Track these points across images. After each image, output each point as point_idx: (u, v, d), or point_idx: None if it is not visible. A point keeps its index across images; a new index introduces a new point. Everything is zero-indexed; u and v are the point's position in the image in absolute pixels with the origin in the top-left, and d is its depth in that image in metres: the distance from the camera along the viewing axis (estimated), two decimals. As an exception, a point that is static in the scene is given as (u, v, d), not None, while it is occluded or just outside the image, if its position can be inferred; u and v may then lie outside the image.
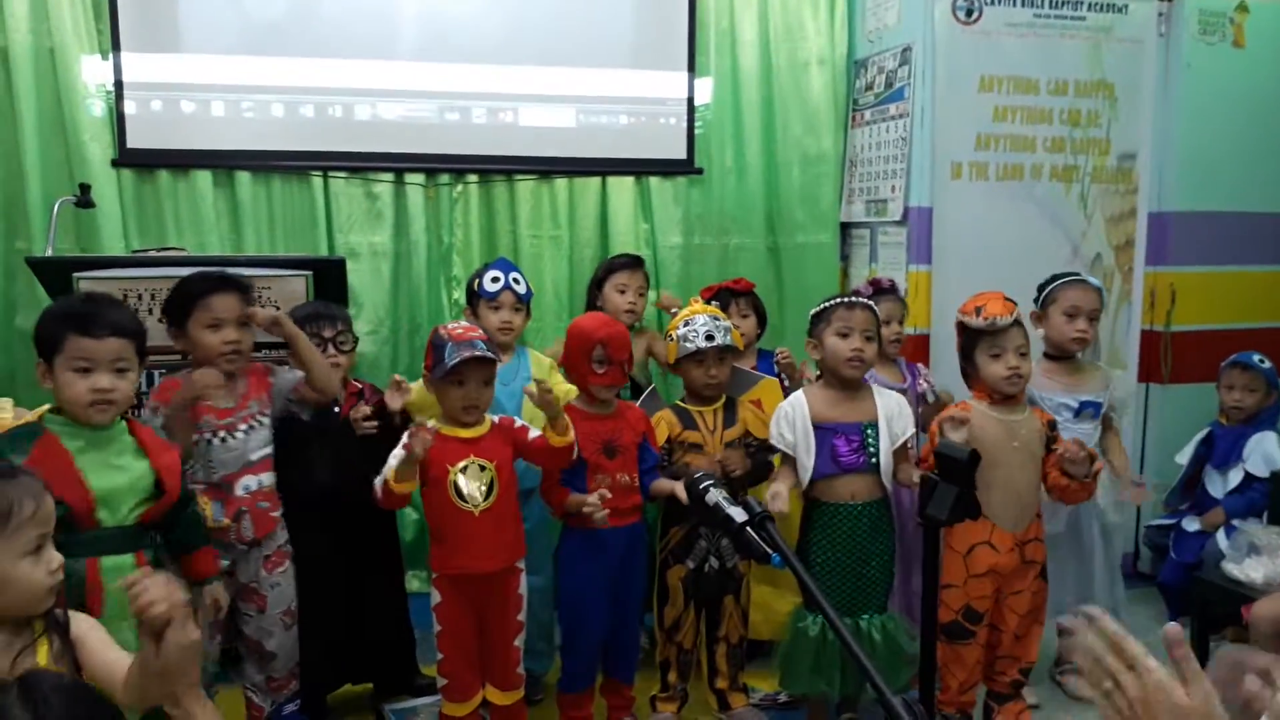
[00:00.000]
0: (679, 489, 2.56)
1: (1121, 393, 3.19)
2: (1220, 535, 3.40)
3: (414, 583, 3.47)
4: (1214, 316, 3.95)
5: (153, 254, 3.20)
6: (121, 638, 1.94)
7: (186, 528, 2.22)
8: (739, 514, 1.52)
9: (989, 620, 2.78)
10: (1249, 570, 3.10)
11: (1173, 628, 1.08)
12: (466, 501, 2.43)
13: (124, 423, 2.09)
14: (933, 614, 1.28)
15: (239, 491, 2.49)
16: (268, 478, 2.56)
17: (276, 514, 2.59)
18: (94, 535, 1.95)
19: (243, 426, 2.51)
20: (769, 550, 1.44)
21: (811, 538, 2.74)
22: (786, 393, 2.96)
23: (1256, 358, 3.49)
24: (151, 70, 3.54)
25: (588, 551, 2.66)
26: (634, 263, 3.42)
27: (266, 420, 2.58)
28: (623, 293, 3.33)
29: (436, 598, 2.49)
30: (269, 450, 2.57)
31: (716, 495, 1.60)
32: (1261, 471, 3.37)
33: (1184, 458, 3.59)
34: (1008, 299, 2.71)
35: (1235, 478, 3.45)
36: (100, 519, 1.96)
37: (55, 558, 1.45)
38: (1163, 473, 3.85)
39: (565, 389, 2.90)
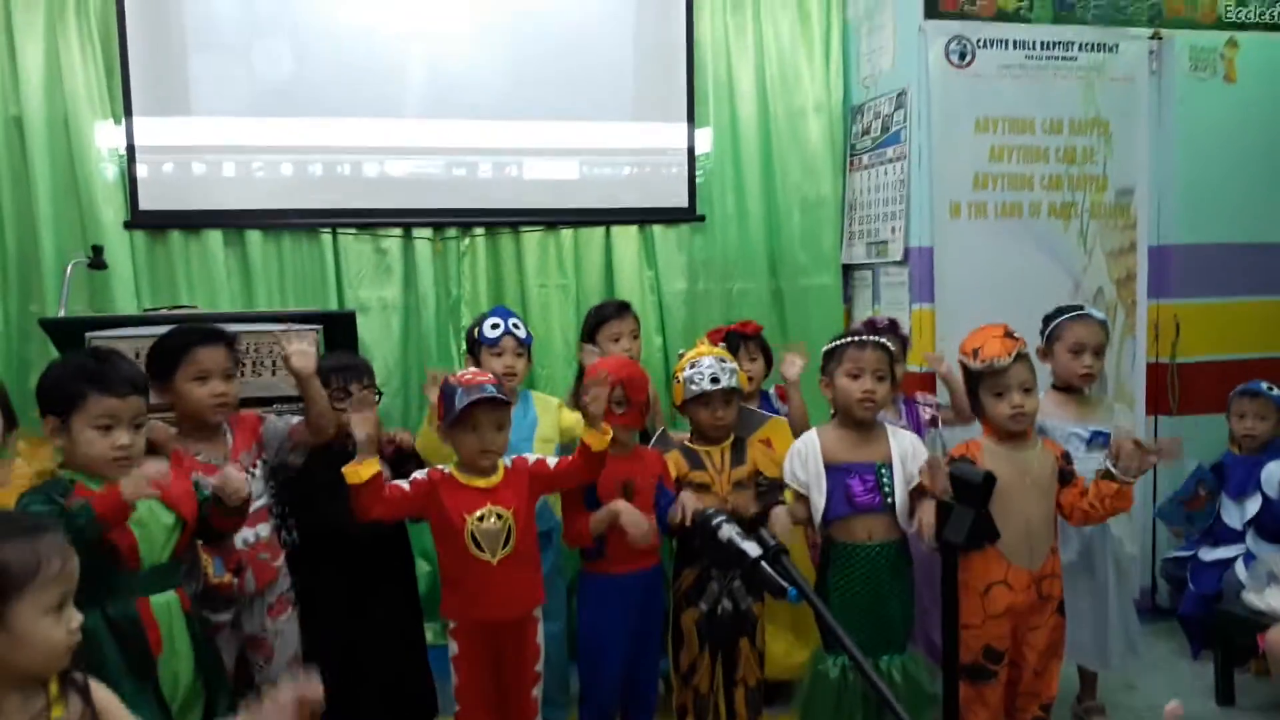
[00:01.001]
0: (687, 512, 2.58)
1: (1125, 424, 3.18)
2: (1239, 565, 3.38)
3: (429, 634, 3.44)
4: (1220, 347, 3.96)
5: (164, 313, 3.24)
6: (175, 672, 1.98)
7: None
8: (753, 549, 1.53)
9: (1012, 658, 2.76)
10: (1270, 599, 3.08)
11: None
12: (485, 551, 2.43)
13: None
14: (954, 642, 1.27)
15: (238, 544, 2.48)
16: (265, 529, 2.57)
17: (277, 563, 2.59)
18: (140, 576, 2.00)
19: (248, 469, 2.50)
20: (784, 584, 1.45)
21: (830, 578, 2.72)
22: (793, 425, 2.98)
23: (1265, 385, 3.49)
24: (163, 134, 3.62)
25: (607, 595, 2.66)
26: (620, 309, 3.43)
27: (258, 471, 2.58)
28: (617, 340, 3.32)
29: (454, 649, 2.48)
30: (264, 501, 2.58)
31: (729, 531, 1.61)
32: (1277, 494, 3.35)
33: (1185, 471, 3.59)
34: (1009, 334, 2.70)
35: (1253, 507, 3.43)
36: (142, 558, 2.00)
37: (75, 616, 1.45)
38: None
39: (574, 419, 2.92)
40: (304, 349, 2.56)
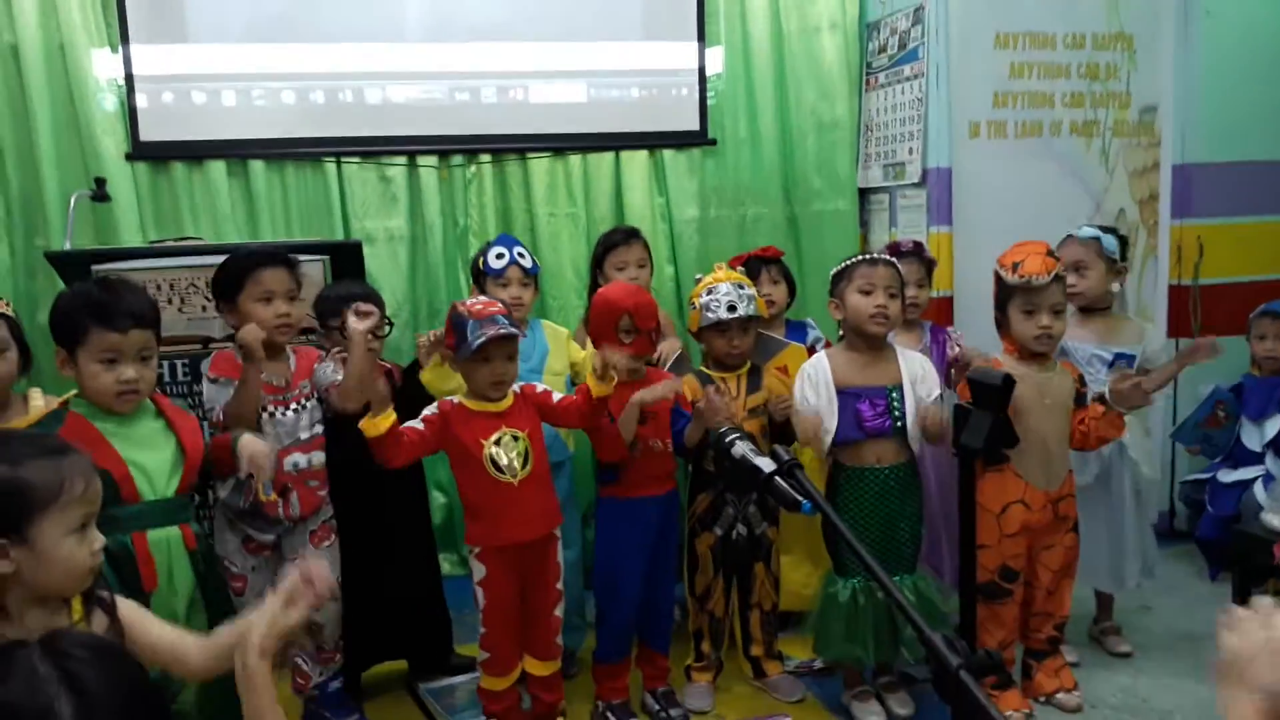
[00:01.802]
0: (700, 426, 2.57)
1: (1155, 346, 3.13)
2: (1258, 487, 3.34)
3: (444, 565, 3.47)
4: (1243, 268, 3.88)
5: (170, 244, 3.21)
6: (172, 609, 1.96)
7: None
8: (766, 464, 1.50)
9: (1026, 578, 2.75)
10: (1288, 520, 3.04)
11: None
12: (504, 473, 2.42)
13: (148, 402, 2.11)
14: (971, 552, 1.25)
15: (286, 468, 2.50)
16: (317, 456, 2.57)
17: (324, 493, 2.60)
18: (138, 510, 1.97)
19: (293, 404, 2.53)
20: (799, 498, 1.42)
21: (839, 502, 2.70)
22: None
23: (1287, 305, 3.42)
24: (161, 62, 3.54)
25: (624, 518, 2.65)
26: (629, 235, 3.34)
27: (315, 403, 2.60)
28: (622, 269, 3.23)
29: (481, 572, 2.48)
30: (319, 430, 2.58)
31: (742, 447, 1.58)
32: None
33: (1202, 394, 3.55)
34: (1051, 253, 2.64)
35: (1272, 428, 3.38)
36: (141, 493, 1.98)
37: (98, 538, 1.45)
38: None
39: (583, 355, 2.90)
40: (360, 326, 2.50)
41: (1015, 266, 2.66)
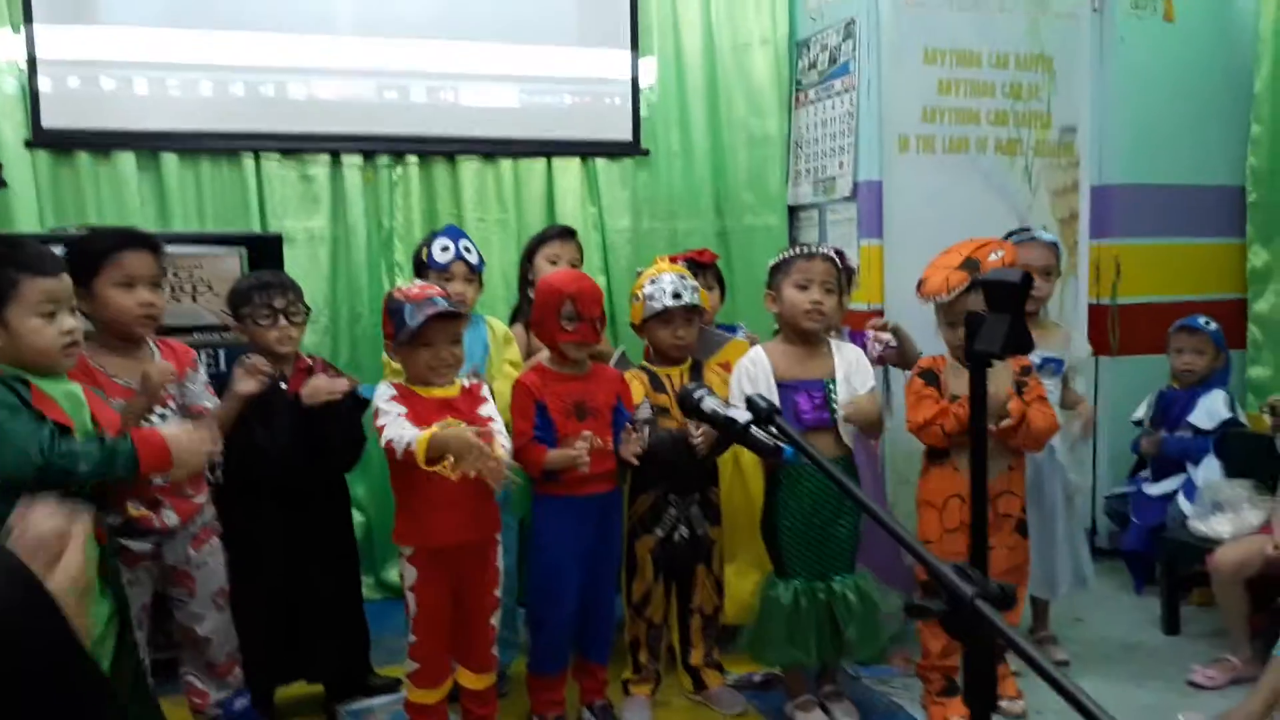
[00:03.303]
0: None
1: (1081, 354, 3.17)
2: (1180, 498, 3.40)
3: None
4: (1160, 288, 3.99)
5: (72, 233, 2.99)
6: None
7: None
8: (741, 415, 1.41)
9: (967, 579, 2.71)
10: (1216, 526, 3.11)
11: None
12: (444, 465, 2.28)
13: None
14: (982, 471, 1.18)
15: (155, 480, 2.25)
16: None
17: (200, 498, 2.39)
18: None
19: (159, 410, 2.28)
20: (780, 444, 1.34)
21: (779, 500, 2.65)
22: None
23: (1202, 320, 3.51)
24: (68, 45, 3.34)
25: (562, 518, 2.52)
26: (565, 233, 3.27)
27: (175, 407, 2.34)
28: (554, 263, 3.14)
29: (412, 576, 2.32)
30: (219, 445, 2.36)
31: (712, 402, 1.49)
32: (1205, 424, 3.39)
33: (1140, 414, 3.61)
34: (967, 263, 2.62)
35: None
36: None
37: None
38: (1116, 442, 3.86)
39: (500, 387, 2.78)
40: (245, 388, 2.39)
41: (921, 284, 2.69)
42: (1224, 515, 3.11)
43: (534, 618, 2.67)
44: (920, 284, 2.69)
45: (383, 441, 2.22)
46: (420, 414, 2.27)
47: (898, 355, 3.07)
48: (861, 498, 1.19)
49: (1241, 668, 2.88)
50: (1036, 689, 2.84)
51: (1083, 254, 4.01)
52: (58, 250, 2.02)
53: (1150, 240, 3.98)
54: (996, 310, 1.03)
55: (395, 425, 2.22)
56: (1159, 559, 3.42)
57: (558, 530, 2.54)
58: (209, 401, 2.41)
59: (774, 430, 1.36)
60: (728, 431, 1.42)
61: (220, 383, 2.51)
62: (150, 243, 2.28)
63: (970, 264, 2.64)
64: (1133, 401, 3.72)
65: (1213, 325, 3.51)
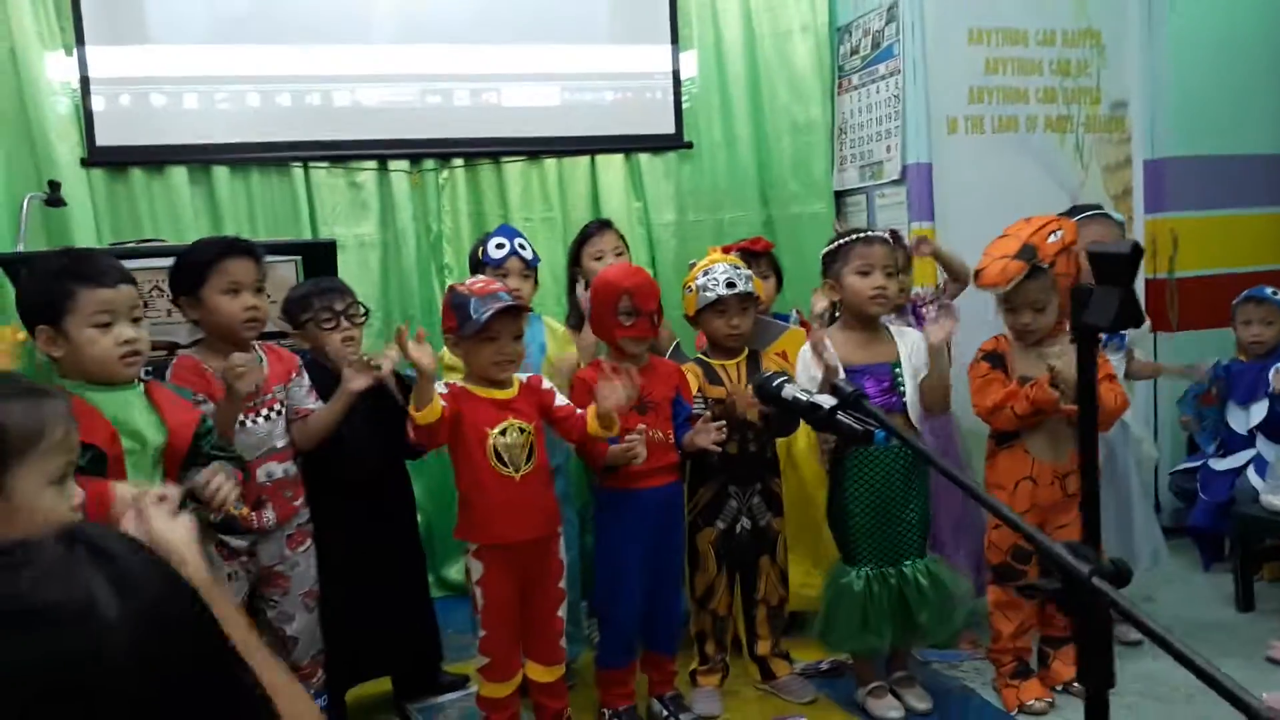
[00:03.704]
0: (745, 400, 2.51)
1: (1139, 330, 3.13)
2: (1250, 472, 3.33)
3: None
4: (1218, 261, 3.91)
5: (131, 245, 3.04)
6: None
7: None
8: (826, 400, 1.40)
9: (1039, 561, 2.68)
10: (1290, 499, 3.03)
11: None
12: (508, 465, 2.29)
13: (140, 384, 1.95)
14: (1092, 445, 1.16)
15: (260, 478, 2.33)
16: (290, 466, 2.41)
17: (299, 501, 2.44)
18: None
19: (265, 411, 2.35)
20: (869, 428, 1.32)
21: (846, 487, 2.63)
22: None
23: (1269, 290, 3.43)
24: (119, 64, 3.40)
25: (625, 513, 2.52)
26: (601, 225, 3.27)
27: (282, 410, 2.42)
28: (600, 259, 3.13)
29: (479, 570, 2.33)
30: (285, 441, 2.41)
31: (792, 390, 1.48)
32: None
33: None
34: (1025, 251, 2.58)
35: (1259, 412, 3.38)
36: (128, 469, 1.81)
37: (78, 491, 1.30)
38: (1173, 419, 3.79)
39: (573, 363, 2.78)
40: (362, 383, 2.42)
41: (978, 274, 2.65)
42: (1297, 489, 3.04)
43: (601, 612, 2.67)
44: (977, 274, 2.66)
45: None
46: (476, 416, 2.29)
47: (950, 286, 3.09)
48: (959, 477, 1.18)
49: (1323, 643, 2.82)
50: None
51: (1138, 229, 3.93)
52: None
53: (1207, 213, 3.91)
54: (1105, 282, 1.01)
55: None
56: (1229, 535, 3.36)
57: (621, 525, 2.54)
58: (313, 403, 2.44)
59: (860, 414, 1.34)
60: (812, 418, 1.40)
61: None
62: (251, 250, 2.35)
63: (1027, 251, 2.60)
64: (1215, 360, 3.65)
65: (1280, 295, 3.44)
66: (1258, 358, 3.43)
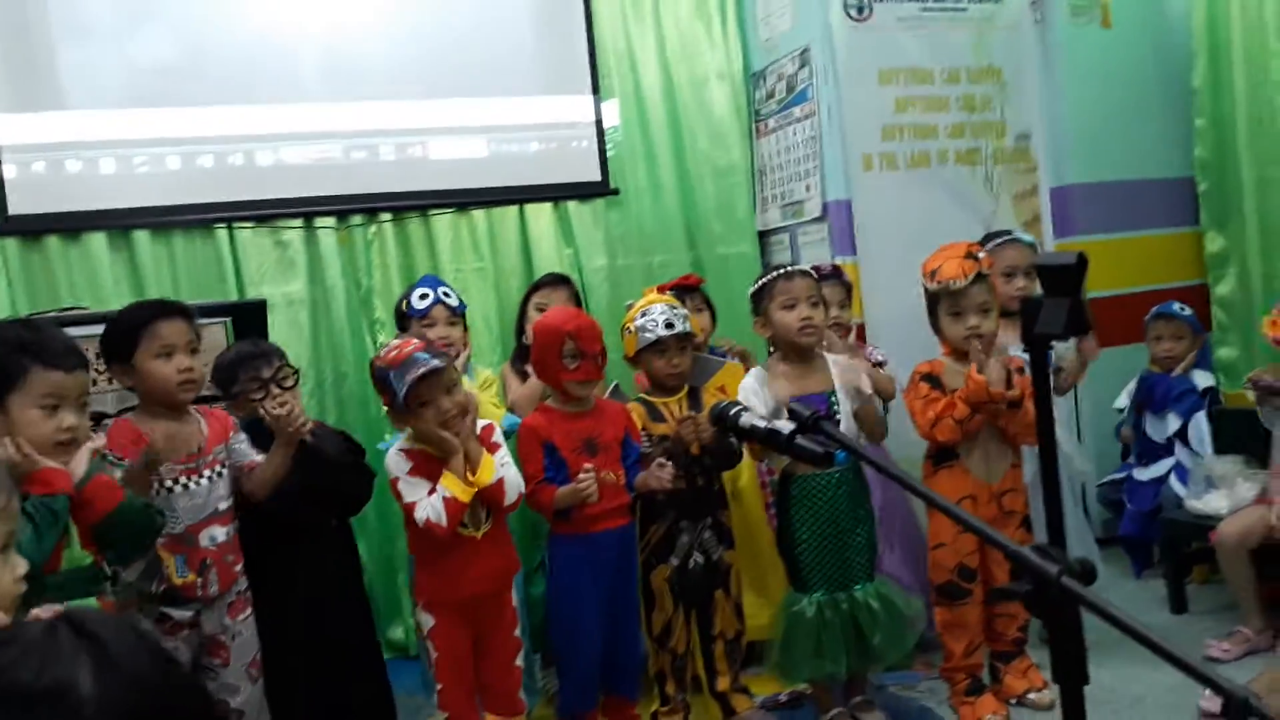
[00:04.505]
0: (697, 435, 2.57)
1: (1063, 346, 3.24)
2: (1173, 479, 3.47)
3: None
4: (1126, 281, 4.09)
5: (52, 314, 2.95)
6: None
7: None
8: (785, 425, 1.43)
9: (982, 578, 2.74)
10: (1212, 503, 3.18)
11: None
12: (468, 526, 2.27)
13: None
14: (1051, 447, 1.22)
15: (204, 543, 2.26)
16: (233, 529, 2.35)
17: (239, 567, 2.37)
18: (59, 580, 1.76)
19: (206, 472, 2.29)
20: (830, 449, 1.36)
21: (793, 514, 2.68)
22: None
23: (1177, 306, 3.62)
24: (32, 130, 3.32)
25: (580, 555, 2.52)
26: (555, 281, 3.34)
27: (226, 470, 2.36)
28: (541, 310, 3.16)
29: (429, 623, 2.31)
30: (229, 503, 2.36)
31: (749, 418, 1.52)
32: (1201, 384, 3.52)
33: (1121, 401, 3.69)
34: (970, 255, 2.71)
35: (1175, 421, 3.54)
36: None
37: (21, 562, 1.26)
38: (1101, 432, 3.94)
39: (490, 410, 2.80)
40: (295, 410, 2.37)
41: (934, 274, 2.73)
42: (1219, 491, 3.18)
43: (560, 659, 2.65)
44: (932, 274, 2.71)
45: (420, 521, 2.23)
46: (437, 480, 2.27)
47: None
48: (925, 491, 1.22)
49: (1255, 638, 2.94)
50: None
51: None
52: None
53: (1111, 235, 4.09)
54: (1053, 294, 1.07)
55: (426, 505, 2.24)
56: (1158, 541, 3.49)
57: (575, 569, 2.54)
58: (257, 456, 2.40)
59: (819, 436, 1.38)
60: (773, 444, 1.43)
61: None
62: (183, 310, 2.31)
63: (972, 256, 2.72)
64: (1114, 392, 3.81)
65: (1187, 311, 3.62)
66: (1169, 370, 3.60)
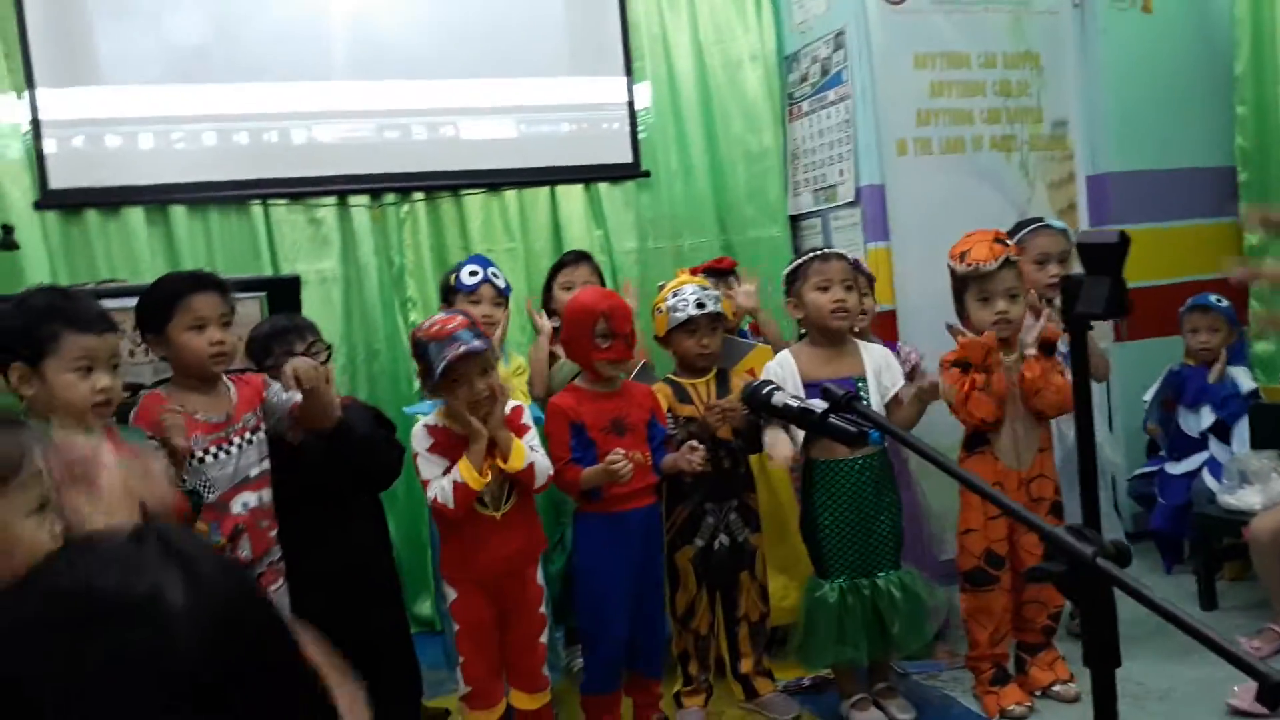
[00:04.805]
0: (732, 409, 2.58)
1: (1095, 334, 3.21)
2: (1205, 474, 3.43)
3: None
4: (1162, 272, 4.03)
5: (91, 287, 2.99)
6: None
7: None
8: (818, 404, 1.42)
9: (1011, 565, 2.73)
10: (1245, 498, 3.14)
11: None
12: (488, 506, 2.29)
13: (98, 432, 1.92)
14: (1089, 428, 1.21)
15: (236, 509, 2.29)
16: (267, 494, 2.37)
17: (273, 533, 2.40)
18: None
19: (236, 440, 2.32)
20: (862, 429, 1.35)
21: (816, 499, 2.68)
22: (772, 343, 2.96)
23: (1214, 298, 3.56)
24: (71, 106, 3.36)
25: (606, 534, 2.53)
26: (578, 257, 3.35)
27: (262, 435, 2.39)
28: (569, 289, 3.18)
29: (452, 595, 2.33)
30: (266, 465, 2.38)
31: (783, 397, 1.51)
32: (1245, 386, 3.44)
33: (1149, 394, 3.65)
34: (999, 240, 2.69)
35: (1209, 415, 3.49)
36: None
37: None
38: (1132, 425, 3.89)
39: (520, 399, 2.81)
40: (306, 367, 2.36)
41: (963, 256, 2.71)
42: (1253, 487, 3.14)
43: (585, 638, 2.67)
44: (961, 256, 2.69)
45: (430, 500, 2.28)
46: (458, 457, 2.29)
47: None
48: (962, 473, 1.21)
49: (1286, 635, 2.90)
50: (1084, 670, 2.85)
51: (1083, 243, 4.05)
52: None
53: (1149, 225, 4.02)
54: (1094, 272, 1.06)
55: (436, 485, 2.28)
56: (1189, 536, 3.45)
57: (602, 548, 2.55)
58: (295, 395, 2.38)
59: (853, 416, 1.37)
60: (805, 423, 1.43)
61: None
62: (216, 283, 2.32)
63: (1001, 241, 2.70)
64: (1145, 384, 3.76)
65: (1224, 302, 3.56)
66: (1205, 363, 3.55)
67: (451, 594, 2.33)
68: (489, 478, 2.28)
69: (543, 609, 2.43)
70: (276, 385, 2.43)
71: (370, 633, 2.66)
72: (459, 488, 2.24)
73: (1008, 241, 2.68)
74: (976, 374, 2.61)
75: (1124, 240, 1.05)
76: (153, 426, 2.15)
